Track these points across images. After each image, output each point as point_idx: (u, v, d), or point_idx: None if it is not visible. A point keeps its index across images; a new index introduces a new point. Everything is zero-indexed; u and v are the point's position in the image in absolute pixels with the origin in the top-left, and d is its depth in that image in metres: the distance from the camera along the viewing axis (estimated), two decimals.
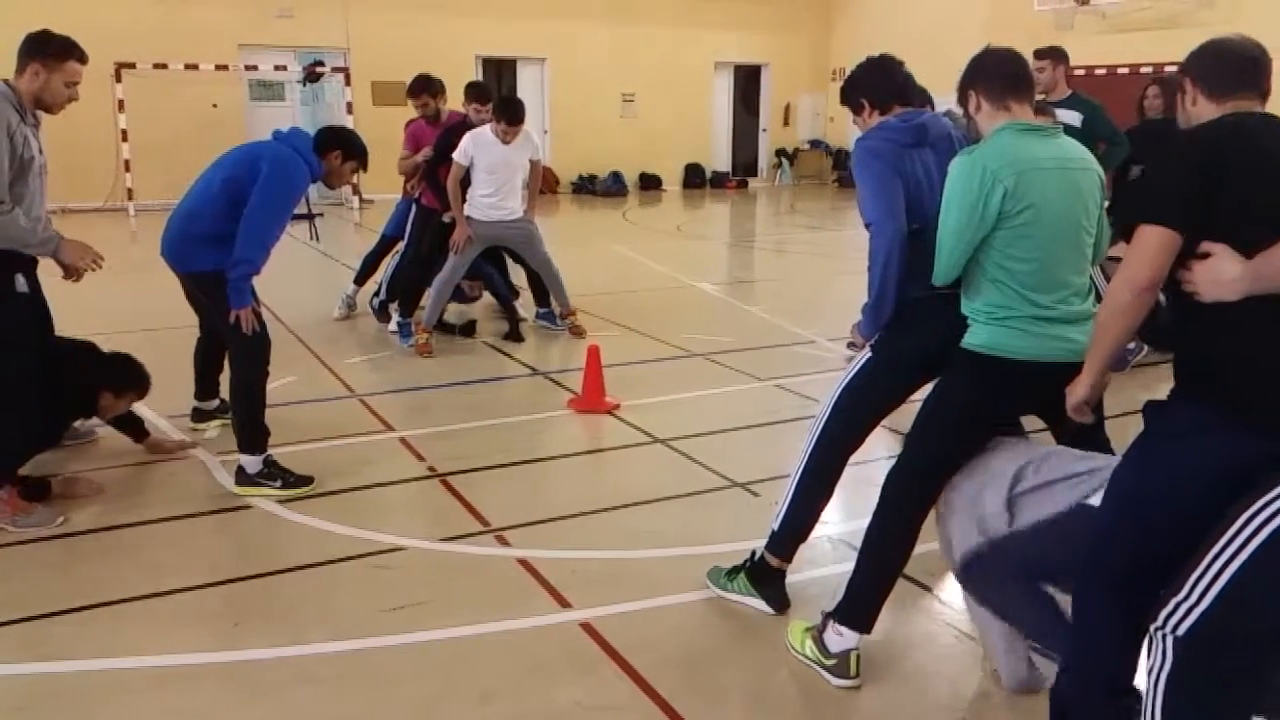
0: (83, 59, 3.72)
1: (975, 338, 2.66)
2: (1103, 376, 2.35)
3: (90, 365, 4.27)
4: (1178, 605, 1.99)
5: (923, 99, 3.11)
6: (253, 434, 4.09)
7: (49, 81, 3.63)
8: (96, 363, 4.31)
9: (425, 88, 6.95)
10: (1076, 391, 2.36)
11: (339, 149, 4.27)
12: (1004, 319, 2.61)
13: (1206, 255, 1.99)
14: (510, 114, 6.19)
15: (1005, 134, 2.62)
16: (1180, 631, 1.98)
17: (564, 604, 3.22)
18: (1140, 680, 2.14)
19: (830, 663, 2.79)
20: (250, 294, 4.03)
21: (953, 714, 2.69)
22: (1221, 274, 1.96)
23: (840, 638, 2.79)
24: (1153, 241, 2.02)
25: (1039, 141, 2.63)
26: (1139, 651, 2.21)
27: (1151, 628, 2.04)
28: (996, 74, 2.70)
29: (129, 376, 4.41)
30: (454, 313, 7.06)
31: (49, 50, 3.63)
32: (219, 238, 3.98)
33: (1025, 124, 2.65)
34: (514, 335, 6.74)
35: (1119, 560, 2.18)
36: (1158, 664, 2.02)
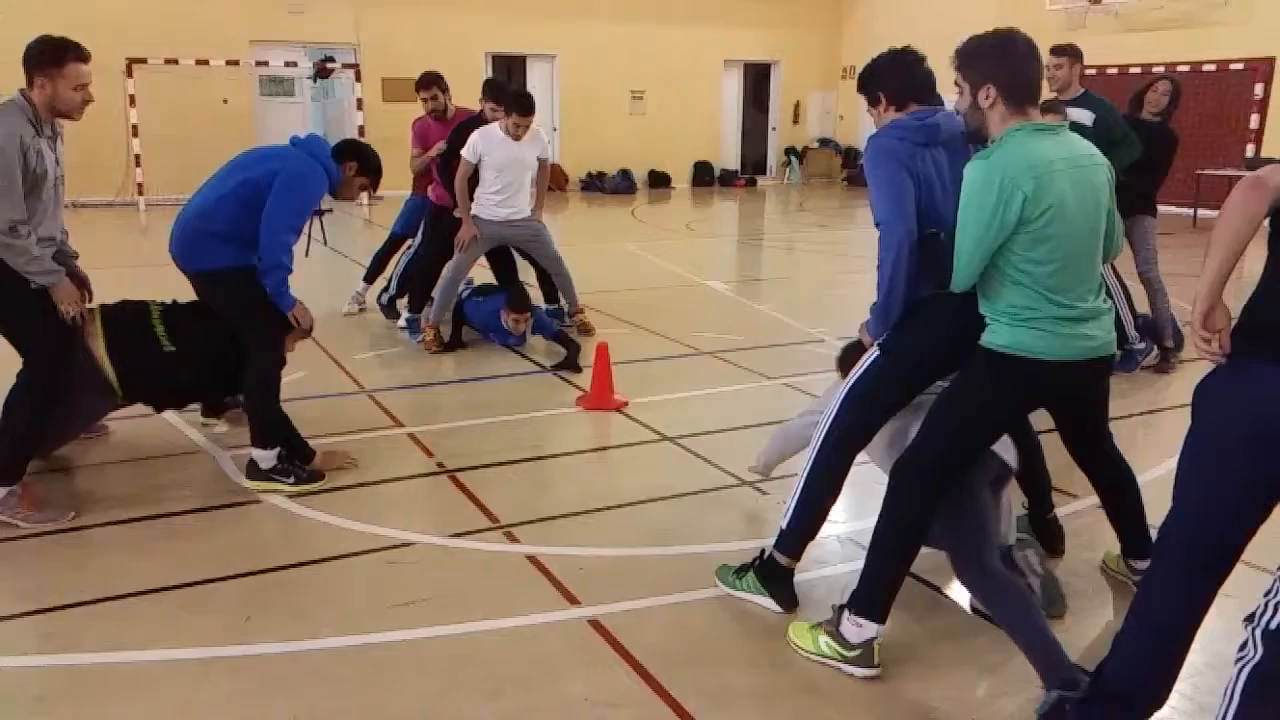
0: (83, 58, 3.64)
1: (998, 337, 2.65)
2: (1221, 286, 2.15)
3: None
4: (1269, 602, 2.05)
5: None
6: (268, 429, 4.11)
7: (56, 89, 3.59)
8: None
9: (435, 80, 6.99)
10: (1199, 305, 2.16)
11: (355, 161, 4.30)
12: (1029, 320, 2.60)
13: None
14: (522, 105, 6.19)
15: (1019, 136, 2.59)
16: (1273, 625, 2.03)
17: (572, 601, 3.23)
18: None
19: (853, 654, 2.80)
20: (289, 293, 4.09)
21: (960, 711, 2.70)
22: None
23: (859, 629, 2.80)
24: (1267, 167, 2.13)
25: (1050, 141, 2.62)
26: (1180, 662, 2.27)
27: (1244, 622, 2.09)
28: (1020, 76, 2.62)
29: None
30: (546, 355, 6.26)
31: (46, 58, 3.58)
32: (229, 236, 4.00)
33: (1037, 124, 2.63)
34: (570, 363, 5.97)
35: (1184, 532, 2.23)
36: (1248, 656, 2.07)
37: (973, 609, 3.09)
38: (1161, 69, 13.44)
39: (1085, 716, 2.38)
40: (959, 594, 3.26)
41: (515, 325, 6.31)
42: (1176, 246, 9.75)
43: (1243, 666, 2.07)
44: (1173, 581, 2.26)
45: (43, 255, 3.62)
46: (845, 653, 2.81)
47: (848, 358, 3.76)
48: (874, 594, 2.82)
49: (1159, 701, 2.33)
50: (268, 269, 3.98)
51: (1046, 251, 2.56)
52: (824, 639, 2.86)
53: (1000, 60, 2.64)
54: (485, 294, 6.66)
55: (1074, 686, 2.46)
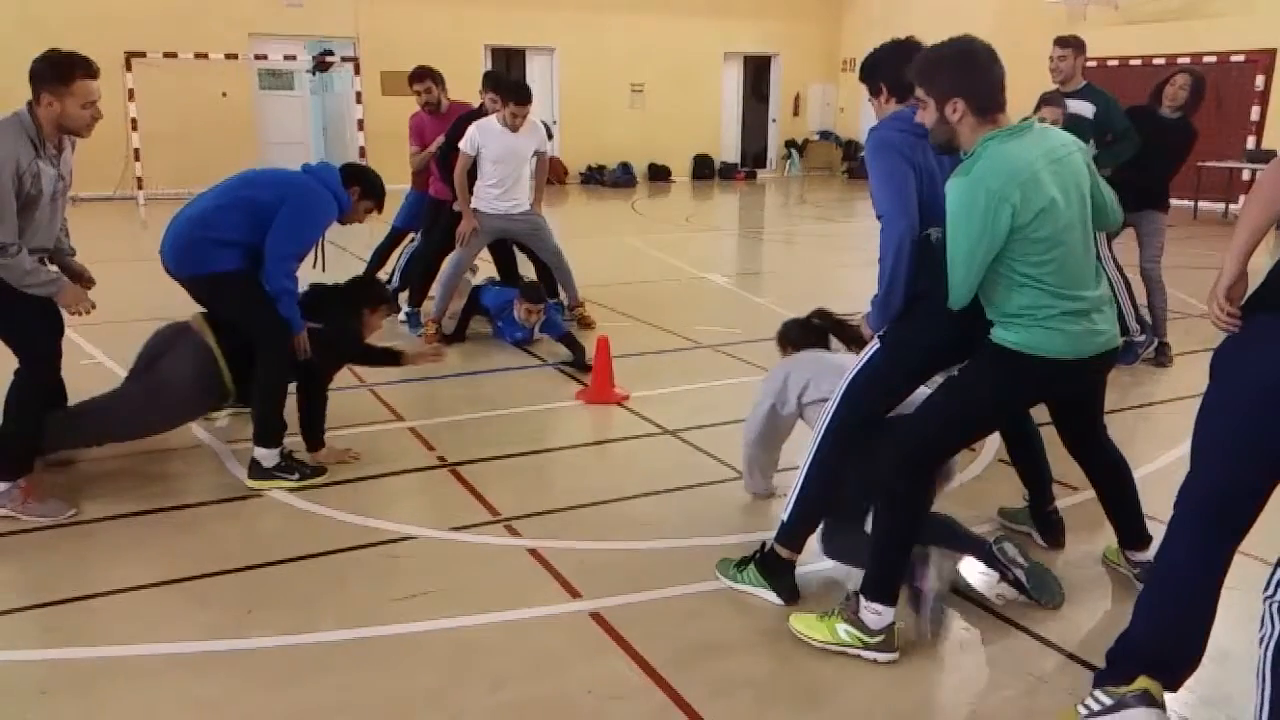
0: (91, 73, 3.55)
1: (1012, 335, 2.64)
2: (1246, 260, 2.22)
3: (340, 297, 4.40)
4: None
5: None
6: (272, 427, 4.10)
7: (64, 107, 3.50)
8: (343, 294, 4.45)
9: (428, 74, 6.99)
10: (1224, 279, 2.23)
11: (359, 186, 4.31)
12: (1043, 319, 2.60)
13: None
14: (519, 95, 6.18)
15: (994, 145, 2.56)
16: None
17: (574, 594, 3.23)
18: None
19: (876, 640, 2.82)
20: (300, 317, 4.12)
21: (960, 701, 2.71)
22: None
23: (878, 615, 2.81)
24: None
25: (1025, 142, 2.59)
26: (1203, 623, 2.29)
27: (1263, 597, 2.10)
28: (986, 85, 2.59)
29: (378, 291, 4.61)
30: (548, 352, 6.21)
31: (54, 76, 3.49)
32: (230, 243, 4.01)
33: (1008, 129, 2.60)
34: (579, 364, 5.87)
35: (1200, 489, 2.26)
36: (1268, 633, 2.08)
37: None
38: (1162, 61, 13.44)
39: (1110, 679, 2.39)
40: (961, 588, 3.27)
41: (527, 316, 6.22)
42: (1176, 239, 9.72)
43: (1266, 645, 2.07)
44: (1191, 540, 2.27)
45: (36, 269, 3.58)
46: (868, 639, 2.82)
47: (788, 335, 3.85)
48: (884, 579, 2.83)
49: (1185, 664, 2.34)
50: (276, 294, 4.01)
51: (1043, 250, 2.56)
52: (843, 627, 2.86)
53: (965, 72, 2.60)
54: (502, 285, 6.73)
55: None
